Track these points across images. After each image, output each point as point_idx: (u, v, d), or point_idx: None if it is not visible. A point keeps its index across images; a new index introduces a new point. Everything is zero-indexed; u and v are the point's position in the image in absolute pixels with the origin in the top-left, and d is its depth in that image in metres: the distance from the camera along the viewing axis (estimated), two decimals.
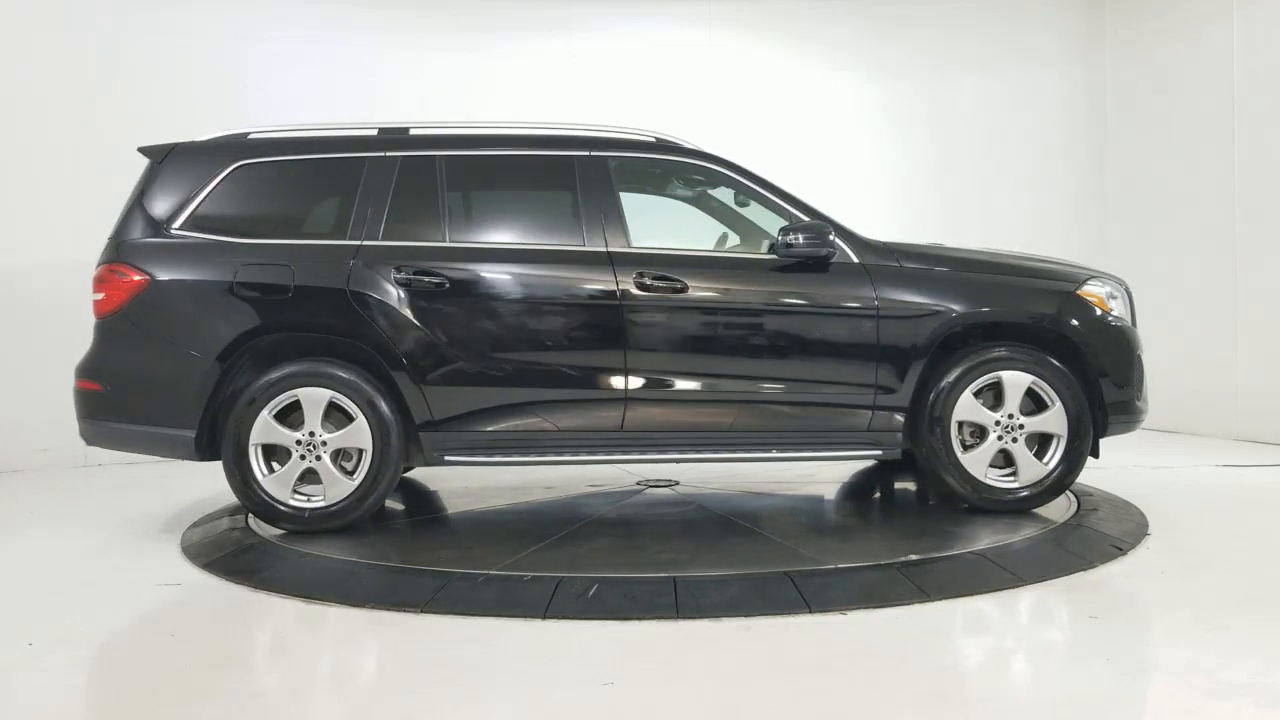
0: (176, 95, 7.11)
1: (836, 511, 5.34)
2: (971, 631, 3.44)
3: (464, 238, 4.70)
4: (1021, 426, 4.64)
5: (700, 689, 2.93)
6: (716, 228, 5.16)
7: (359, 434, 4.48)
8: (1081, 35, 8.72)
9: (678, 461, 4.92)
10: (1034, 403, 4.66)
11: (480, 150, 4.85)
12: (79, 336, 4.73)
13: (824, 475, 5.94)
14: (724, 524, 4.73)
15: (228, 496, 4.88)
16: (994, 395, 4.66)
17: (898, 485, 5.74)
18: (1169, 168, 8.06)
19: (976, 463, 4.64)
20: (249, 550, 4.36)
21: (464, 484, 5.75)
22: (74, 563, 4.48)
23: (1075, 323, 4.73)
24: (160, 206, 4.63)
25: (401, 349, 4.48)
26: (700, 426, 4.67)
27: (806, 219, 4.69)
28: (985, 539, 4.28)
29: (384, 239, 4.56)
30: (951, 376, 4.63)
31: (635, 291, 4.53)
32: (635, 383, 4.54)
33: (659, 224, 5.03)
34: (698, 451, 4.68)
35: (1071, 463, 4.66)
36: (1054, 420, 4.65)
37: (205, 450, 4.55)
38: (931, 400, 4.63)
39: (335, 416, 4.50)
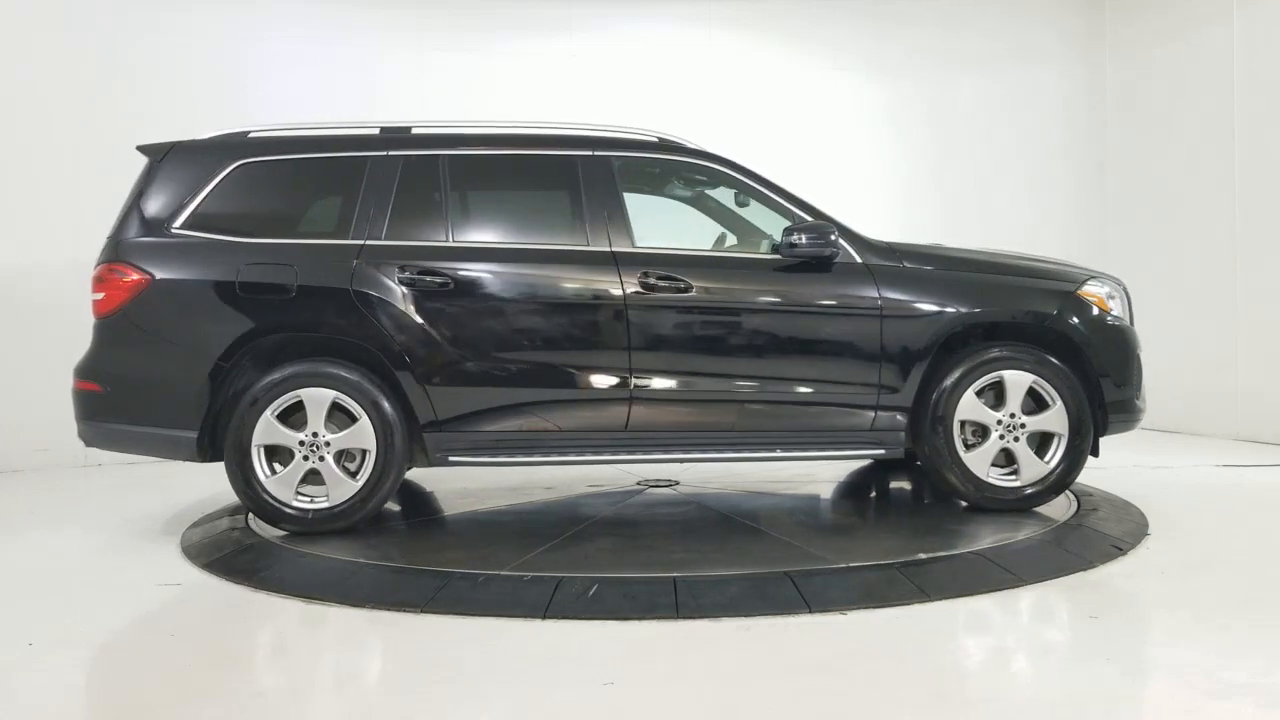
0: (176, 95, 7.11)
1: (836, 511, 5.34)
2: (972, 631, 3.44)
3: (467, 238, 4.70)
4: (1023, 425, 4.66)
5: (700, 689, 2.93)
6: (716, 228, 5.16)
7: (363, 434, 4.47)
8: (1081, 35, 8.72)
9: (682, 461, 4.92)
10: (1035, 402, 4.68)
11: (484, 150, 4.84)
12: (79, 336, 4.71)
13: (822, 474, 5.94)
14: (724, 524, 4.73)
15: (228, 496, 4.88)
16: (995, 395, 4.67)
17: (894, 485, 5.74)
18: (1169, 168, 8.06)
19: (979, 461, 4.65)
20: (249, 550, 4.36)
21: (463, 485, 5.74)
22: (74, 563, 4.48)
23: (1076, 322, 4.74)
24: (160, 205, 4.60)
25: (405, 349, 4.47)
26: (705, 426, 4.67)
27: (810, 219, 4.69)
28: (985, 538, 4.28)
29: (387, 238, 4.55)
30: (954, 376, 4.64)
31: (640, 292, 4.52)
32: (640, 383, 4.54)
33: (661, 224, 5.03)
34: (702, 451, 4.68)
35: (1072, 461, 4.67)
36: (1055, 419, 4.66)
37: (207, 451, 4.52)
38: (934, 400, 4.64)
39: (338, 417, 4.49)
